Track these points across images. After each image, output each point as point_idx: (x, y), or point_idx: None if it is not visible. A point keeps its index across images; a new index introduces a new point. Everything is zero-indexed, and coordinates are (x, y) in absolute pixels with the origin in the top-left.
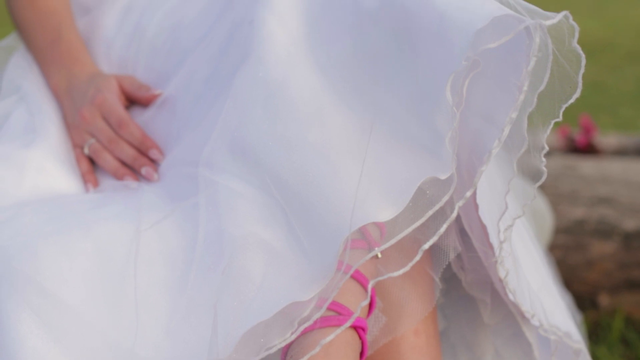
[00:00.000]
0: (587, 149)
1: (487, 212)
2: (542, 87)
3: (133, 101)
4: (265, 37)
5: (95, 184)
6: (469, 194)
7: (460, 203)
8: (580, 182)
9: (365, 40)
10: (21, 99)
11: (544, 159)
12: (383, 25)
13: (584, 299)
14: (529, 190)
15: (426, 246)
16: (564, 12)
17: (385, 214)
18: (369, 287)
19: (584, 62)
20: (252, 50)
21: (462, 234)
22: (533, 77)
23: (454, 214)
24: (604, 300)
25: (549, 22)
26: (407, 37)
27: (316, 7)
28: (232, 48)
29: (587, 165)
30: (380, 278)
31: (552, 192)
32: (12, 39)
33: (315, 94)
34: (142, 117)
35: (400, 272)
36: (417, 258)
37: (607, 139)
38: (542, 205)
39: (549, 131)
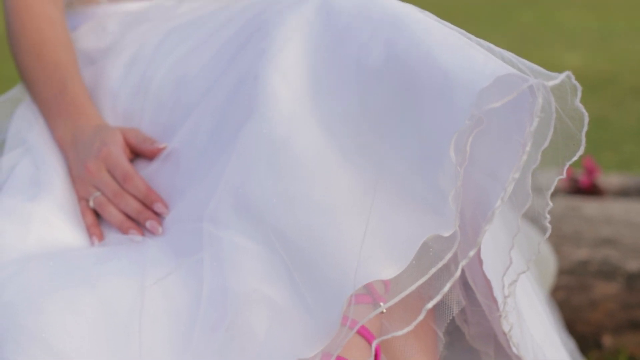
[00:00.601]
0: (590, 190)
1: (491, 267)
2: (545, 145)
3: (138, 154)
4: (270, 93)
5: (100, 237)
6: (472, 253)
7: (463, 262)
8: (584, 223)
9: (369, 98)
10: (27, 151)
11: (547, 216)
12: (387, 83)
13: (587, 339)
14: (533, 242)
15: (430, 305)
16: (566, 73)
17: (389, 272)
18: (373, 345)
19: (587, 120)
20: (256, 106)
21: (466, 287)
22: (536, 135)
23: (458, 273)
24: (607, 340)
25: (551, 83)
26: (411, 95)
27: (320, 64)
28: (236, 103)
29: (590, 207)
30: (385, 337)
31: (556, 233)
32: (18, 91)
33: (319, 151)
34: (147, 170)
35: (404, 331)
36: (421, 317)
37: (609, 179)
38: (545, 250)
39: (553, 188)
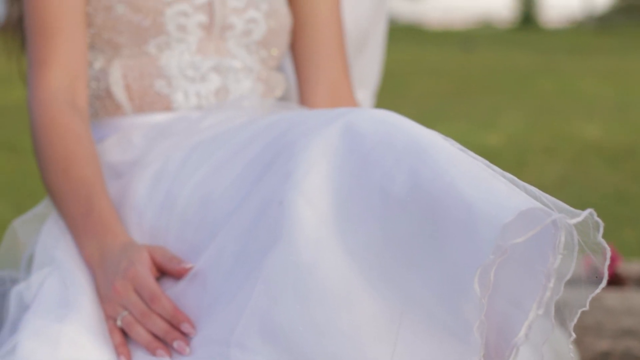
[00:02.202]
0: (612, 280)
1: None
2: (568, 276)
3: (164, 273)
4: (295, 219)
5: (128, 357)
6: None
7: None
8: (605, 314)
9: (393, 226)
10: (55, 270)
11: (571, 346)
12: (411, 213)
13: None
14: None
15: None
16: (588, 210)
17: None
18: None
19: (609, 254)
20: (281, 232)
21: None
22: (559, 266)
23: None
24: None
25: (574, 220)
26: (435, 225)
27: (345, 190)
28: (261, 227)
29: (611, 297)
30: None
31: (577, 324)
32: (44, 206)
33: (344, 278)
34: (174, 290)
35: None
36: None
37: (631, 266)
38: (564, 346)
39: (576, 319)
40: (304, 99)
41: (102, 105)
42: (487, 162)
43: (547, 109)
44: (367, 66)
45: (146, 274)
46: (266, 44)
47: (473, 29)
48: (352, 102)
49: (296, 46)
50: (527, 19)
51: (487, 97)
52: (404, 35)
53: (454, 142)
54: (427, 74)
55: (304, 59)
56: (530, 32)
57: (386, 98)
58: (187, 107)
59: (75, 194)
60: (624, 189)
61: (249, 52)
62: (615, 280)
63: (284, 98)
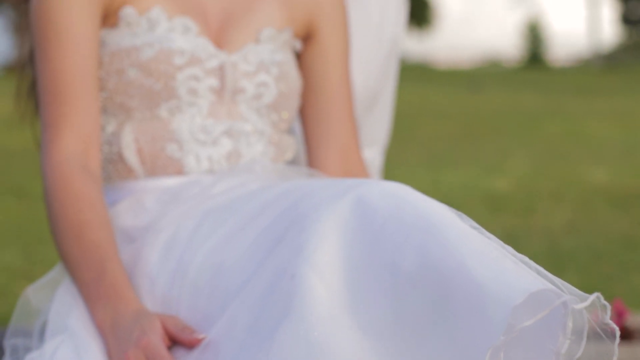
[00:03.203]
0: (620, 334)
1: None
2: (578, 354)
3: (176, 342)
4: (307, 294)
5: None
6: None
7: None
8: None
9: (404, 303)
10: (68, 338)
11: None
12: (421, 290)
13: None
14: None
15: None
16: (595, 294)
17: None
18: None
19: (618, 333)
20: (293, 306)
21: None
22: (570, 344)
23: None
24: None
25: (581, 305)
26: (445, 304)
27: (356, 264)
28: (273, 300)
29: (620, 351)
30: None
31: None
32: (57, 272)
33: (356, 355)
34: None
35: None
36: None
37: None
38: None
39: None
40: (315, 163)
41: (115, 169)
42: (498, 240)
43: (554, 152)
44: (376, 124)
45: (159, 344)
46: (277, 107)
47: (481, 67)
48: (361, 166)
49: (306, 109)
50: (535, 57)
51: (494, 140)
52: (411, 74)
53: (465, 216)
54: (434, 115)
55: (314, 122)
56: (538, 71)
57: (394, 141)
58: (199, 171)
59: (88, 259)
60: (632, 234)
61: (260, 116)
62: (624, 334)
63: (294, 159)
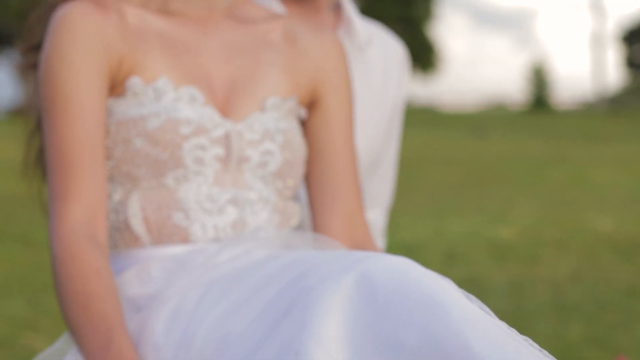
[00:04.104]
0: None
1: None
2: None
3: None
4: None
5: None
6: None
7: None
8: None
9: None
10: None
11: None
12: None
13: None
14: None
15: None
16: None
17: None
18: None
19: None
20: None
21: None
22: None
23: None
24: None
25: None
26: None
27: (360, 341)
28: None
29: None
30: None
31: None
32: (63, 342)
33: None
34: None
35: None
36: None
37: None
38: None
39: None
40: (319, 229)
41: (121, 237)
42: (504, 323)
43: (559, 200)
44: (380, 186)
45: None
46: (282, 175)
47: (486, 110)
48: (365, 231)
49: (311, 175)
50: (539, 100)
51: (499, 187)
52: (417, 119)
53: (473, 297)
54: (439, 161)
55: (318, 188)
56: (542, 114)
57: (399, 188)
58: (205, 239)
59: (94, 329)
60: (637, 284)
61: (265, 183)
62: None
63: (300, 224)
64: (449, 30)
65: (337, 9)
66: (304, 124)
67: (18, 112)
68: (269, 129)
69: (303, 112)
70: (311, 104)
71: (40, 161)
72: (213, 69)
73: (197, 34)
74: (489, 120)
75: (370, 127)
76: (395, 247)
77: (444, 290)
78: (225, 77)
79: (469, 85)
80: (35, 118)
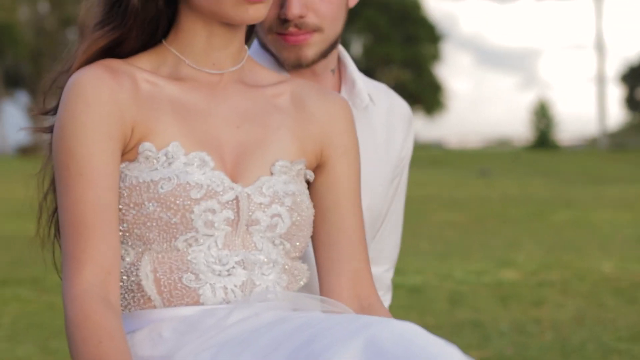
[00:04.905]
0: None
1: None
2: None
3: None
4: None
5: None
6: None
7: None
8: None
9: None
10: None
11: None
12: None
13: None
14: None
15: None
16: None
17: None
18: None
19: None
20: None
21: None
22: None
23: None
24: None
25: None
26: None
27: None
28: None
29: None
30: None
31: None
32: None
33: None
34: None
35: None
36: None
37: None
38: None
39: None
40: (326, 288)
41: (133, 298)
42: None
43: (563, 242)
44: (387, 241)
45: None
46: (290, 237)
47: (491, 147)
48: (372, 291)
49: (317, 235)
50: (543, 138)
51: (503, 229)
52: (422, 157)
53: None
54: (445, 202)
55: (325, 248)
56: (546, 152)
57: (405, 228)
58: (215, 301)
59: None
60: None
61: (274, 245)
62: None
63: (308, 283)
64: (454, 70)
65: (339, 69)
66: (310, 185)
67: (28, 152)
68: (278, 192)
69: (311, 175)
70: (319, 166)
71: (54, 220)
72: (223, 134)
73: (207, 99)
74: (493, 157)
75: (374, 185)
76: (401, 289)
77: (449, 357)
78: (234, 141)
79: (474, 123)
80: (49, 179)
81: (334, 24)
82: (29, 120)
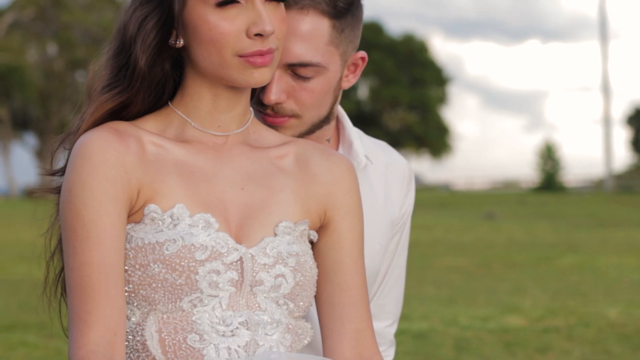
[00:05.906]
0: None
1: None
2: None
3: None
4: None
5: None
6: None
7: None
8: None
9: None
10: None
11: None
12: None
13: None
14: None
15: None
16: None
17: None
18: None
19: None
20: None
21: None
22: None
23: None
24: None
25: None
26: None
27: None
28: None
29: None
30: None
31: None
32: None
33: None
34: None
35: None
36: None
37: None
38: None
39: None
40: (329, 350)
41: (138, 358)
42: None
43: (568, 287)
44: (389, 297)
45: None
46: (294, 297)
47: (498, 188)
48: (374, 350)
49: (320, 294)
50: (550, 178)
51: (509, 274)
52: (429, 199)
53: None
54: (450, 245)
55: (328, 308)
56: (553, 194)
57: (410, 273)
58: None
59: None
60: None
61: (277, 306)
62: None
63: (310, 343)
64: (461, 112)
65: (337, 128)
66: (314, 245)
67: (32, 193)
68: (282, 253)
69: (314, 236)
70: (322, 226)
71: (60, 281)
72: (227, 196)
73: (212, 161)
74: (500, 200)
75: (372, 243)
76: (406, 335)
77: None
78: (238, 203)
79: (481, 165)
80: (56, 238)
81: (315, 110)
82: (37, 162)
